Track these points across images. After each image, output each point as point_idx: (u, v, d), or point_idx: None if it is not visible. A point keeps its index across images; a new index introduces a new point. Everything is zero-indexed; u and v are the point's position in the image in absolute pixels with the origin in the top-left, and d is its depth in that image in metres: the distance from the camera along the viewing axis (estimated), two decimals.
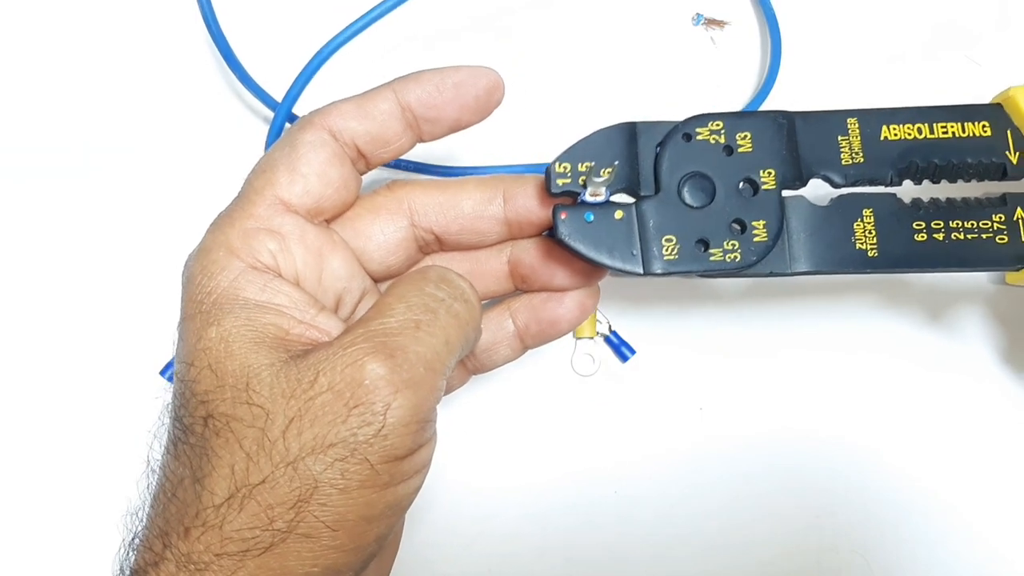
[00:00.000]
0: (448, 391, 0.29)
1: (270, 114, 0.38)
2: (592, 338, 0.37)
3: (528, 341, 0.30)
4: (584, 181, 0.26)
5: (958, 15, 0.42)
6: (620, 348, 0.37)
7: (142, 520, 0.24)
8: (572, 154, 0.27)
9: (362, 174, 0.28)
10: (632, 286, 0.38)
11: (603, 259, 0.26)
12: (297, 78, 0.35)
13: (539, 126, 0.40)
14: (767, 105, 0.39)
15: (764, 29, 0.41)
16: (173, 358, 0.36)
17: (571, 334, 0.38)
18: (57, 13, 0.41)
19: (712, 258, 0.27)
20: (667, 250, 0.26)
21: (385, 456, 0.22)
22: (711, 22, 0.42)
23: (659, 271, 0.26)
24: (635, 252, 0.26)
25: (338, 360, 0.22)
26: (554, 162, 0.27)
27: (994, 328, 0.39)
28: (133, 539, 0.24)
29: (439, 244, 0.29)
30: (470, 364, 0.30)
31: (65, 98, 0.40)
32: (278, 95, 0.38)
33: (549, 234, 0.28)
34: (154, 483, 0.24)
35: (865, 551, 0.36)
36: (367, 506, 0.22)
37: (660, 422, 0.37)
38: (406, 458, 0.23)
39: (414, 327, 0.23)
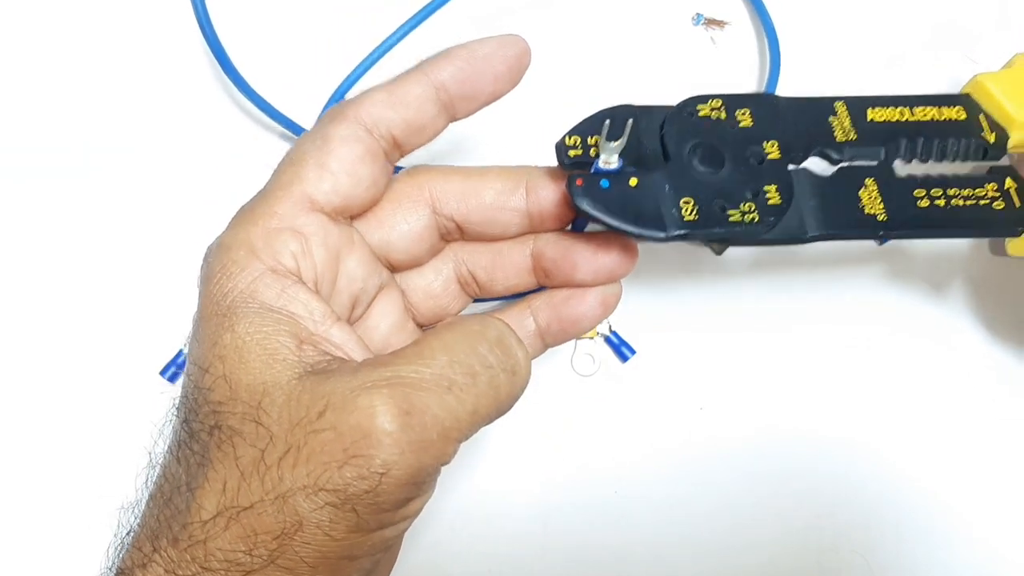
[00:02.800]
0: None
1: (265, 117, 0.38)
2: (592, 338, 0.37)
3: (549, 340, 0.29)
4: (595, 152, 0.26)
5: (958, 15, 0.42)
6: (620, 348, 0.37)
7: (137, 516, 0.24)
8: (579, 128, 0.27)
9: (394, 164, 0.27)
10: (632, 286, 0.38)
11: (622, 224, 0.26)
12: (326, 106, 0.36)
13: (539, 126, 0.40)
14: None
15: (760, 30, 0.41)
16: (176, 356, 0.36)
17: None
18: (58, 15, 0.41)
19: (731, 219, 0.26)
20: (686, 212, 0.26)
21: (375, 509, 0.21)
22: (711, 22, 0.42)
23: (679, 232, 0.26)
24: (654, 216, 0.26)
25: (350, 399, 0.21)
26: (564, 136, 0.27)
27: (993, 322, 0.39)
28: (128, 533, 0.24)
29: (460, 233, 0.28)
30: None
31: (65, 99, 0.40)
32: (272, 99, 0.38)
33: (572, 228, 0.28)
34: (153, 481, 0.24)
35: (865, 551, 0.36)
36: (350, 548, 0.22)
37: (660, 422, 0.37)
38: (397, 510, 0.22)
39: (446, 387, 0.22)
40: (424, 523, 0.36)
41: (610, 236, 0.28)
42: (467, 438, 0.23)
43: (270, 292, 0.23)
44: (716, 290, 0.39)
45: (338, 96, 0.36)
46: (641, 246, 0.29)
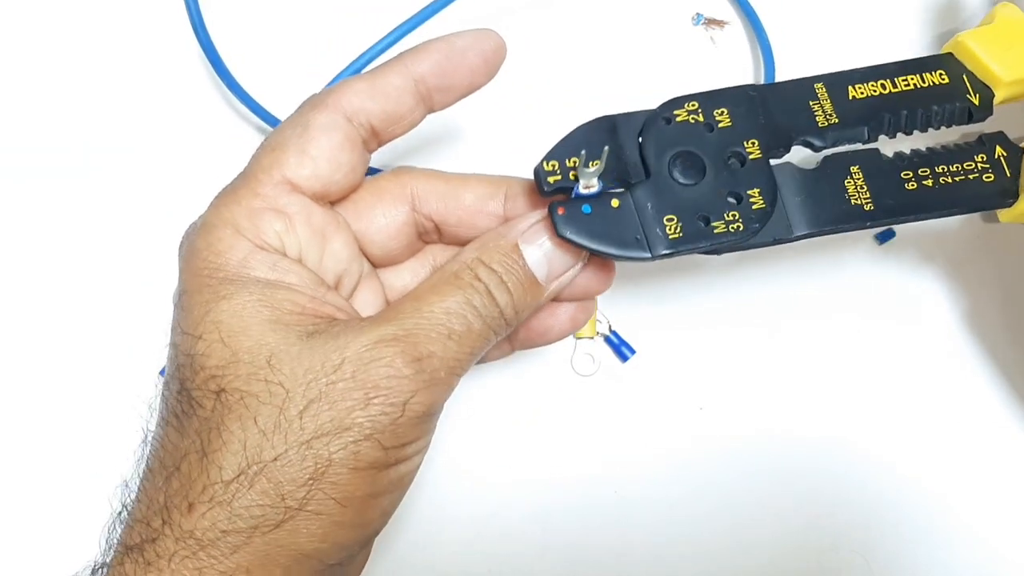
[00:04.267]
0: None
1: (260, 121, 0.39)
2: (592, 338, 0.37)
3: (516, 344, 0.30)
4: (575, 175, 0.26)
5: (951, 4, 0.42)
6: (620, 348, 0.37)
7: (133, 493, 0.24)
8: (557, 151, 0.27)
9: (371, 152, 0.28)
10: (631, 286, 0.38)
11: (608, 249, 0.26)
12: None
13: (539, 126, 0.40)
14: None
15: (751, 31, 0.41)
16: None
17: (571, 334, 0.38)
18: (57, 17, 0.41)
19: (716, 231, 0.26)
20: (671, 230, 0.26)
21: (395, 442, 0.23)
22: (711, 22, 0.42)
23: (666, 251, 0.26)
24: (639, 237, 0.26)
25: (366, 352, 0.23)
26: (541, 162, 0.26)
27: (993, 322, 0.39)
28: (121, 512, 0.24)
29: (439, 234, 0.29)
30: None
31: (64, 99, 0.40)
32: (267, 102, 0.38)
33: None
34: (150, 456, 0.24)
35: (865, 551, 0.36)
36: (373, 483, 0.23)
37: (660, 422, 0.37)
38: (412, 443, 0.24)
39: (447, 335, 0.24)
40: (424, 523, 0.36)
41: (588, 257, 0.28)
42: (468, 370, 0.25)
43: (263, 267, 0.24)
44: (716, 290, 0.39)
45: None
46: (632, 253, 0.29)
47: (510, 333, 0.27)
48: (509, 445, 0.37)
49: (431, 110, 0.28)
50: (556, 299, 0.28)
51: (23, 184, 0.39)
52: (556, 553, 0.36)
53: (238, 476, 0.22)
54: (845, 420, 0.37)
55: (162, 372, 0.36)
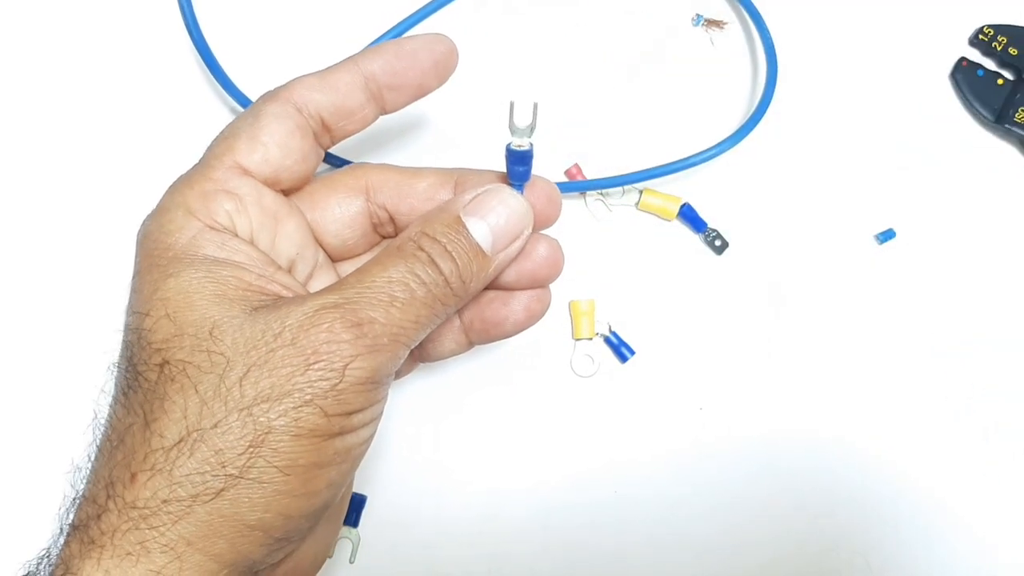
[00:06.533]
0: (396, 378, 0.29)
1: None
2: (591, 339, 0.37)
3: (473, 337, 0.30)
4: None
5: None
6: (620, 348, 0.37)
7: (85, 476, 0.24)
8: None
9: (325, 149, 0.29)
10: (632, 286, 0.38)
11: None
12: None
13: (539, 126, 0.40)
14: (771, 105, 0.39)
15: (753, 32, 0.41)
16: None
17: (570, 335, 0.38)
18: (56, 18, 0.41)
19: None
20: None
21: (338, 409, 0.23)
22: (710, 23, 0.42)
23: None
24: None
25: (306, 320, 0.23)
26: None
27: (997, 322, 0.39)
28: (75, 497, 0.24)
29: (393, 226, 0.30)
30: (417, 353, 0.30)
31: (63, 99, 0.40)
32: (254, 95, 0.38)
33: None
34: (100, 436, 0.24)
35: (865, 551, 0.36)
36: (317, 452, 0.23)
37: (660, 422, 0.37)
38: (357, 413, 0.24)
39: (388, 301, 0.24)
40: (424, 523, 0.36)
41: (536, 241, 0.28)
42: (416, 342, 0.25)
43: (211, 245, 0.25)
44: (716, 290, 0.39)
45: None
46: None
47: (460, 307, 0.27)
48: (509, 445, 0.37)
49: (384, 110, 0.29)
50: (509, 287, 0.29)
51: (21, 184, 0.39)
52: (556, 553, 0.36)
53: (178, 443, 0.22)
54: (845, 420, 0.37)
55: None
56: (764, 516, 0.36)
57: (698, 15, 0.42)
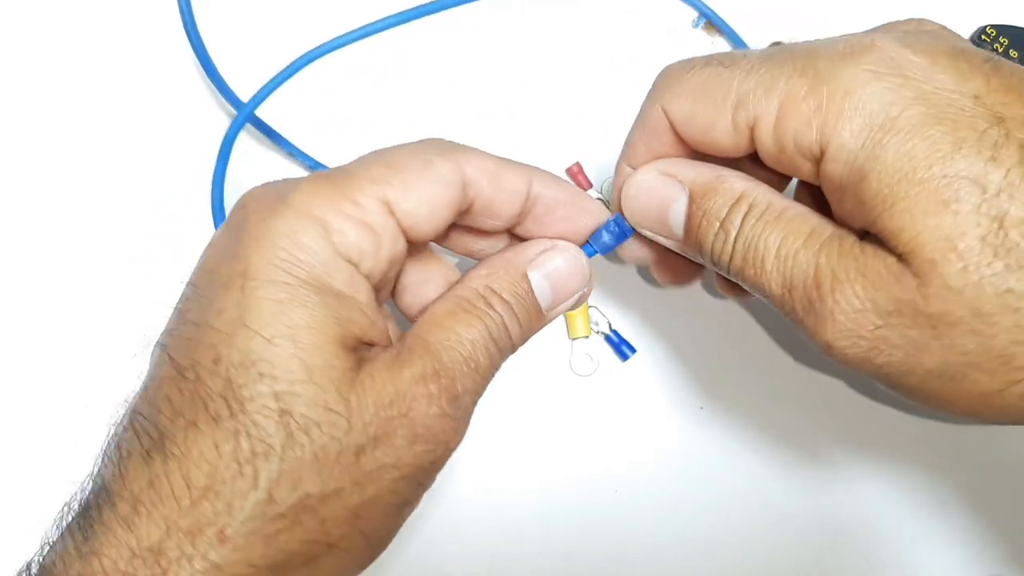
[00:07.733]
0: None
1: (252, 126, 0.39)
2: (587, 337, 0.37)
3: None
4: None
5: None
6: (620, 347, 0.37)
7: (137, 502, 0.21)
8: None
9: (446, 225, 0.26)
10: (632, 286, 0.38)
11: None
12: (266, 84, 0.38)
13: (540, 125, 0.40)
14: None
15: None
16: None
17: (566, 335, 0.38)
18: (55, 20, 0.41)
19: None
20: None
21: (429, 479, 0.24)
22: (710, 26, 0.42)
23: None
24: None
25: (409, 390, 0.23)
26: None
27: None
28: (88, 516, 0.21)
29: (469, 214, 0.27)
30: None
31: (60, 100, 0.40)
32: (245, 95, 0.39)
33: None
34: (152, 452, 0.21)
35: (865, 551, 0.36)
36: (397, 519, 0.24)
37: (660, 422, 0.37)
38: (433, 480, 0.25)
39: (475, 370, 0.24)
40: (424, 522, 0.36)
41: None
42: None
43: (341, 277, 0.23)
44: (716, 290, 0.39)
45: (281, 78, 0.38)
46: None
47: None
48: (509, 445, 0.37)
49: (495, 228, 0.27)
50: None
51: (21, 184, 0.39)
52: (556, 553, 0.36)
53: (286, 512, 0.21)
54: (845, 420, 0.37)
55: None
56: (764, 516, 0.36)
57: (698, 17, 0.42)
